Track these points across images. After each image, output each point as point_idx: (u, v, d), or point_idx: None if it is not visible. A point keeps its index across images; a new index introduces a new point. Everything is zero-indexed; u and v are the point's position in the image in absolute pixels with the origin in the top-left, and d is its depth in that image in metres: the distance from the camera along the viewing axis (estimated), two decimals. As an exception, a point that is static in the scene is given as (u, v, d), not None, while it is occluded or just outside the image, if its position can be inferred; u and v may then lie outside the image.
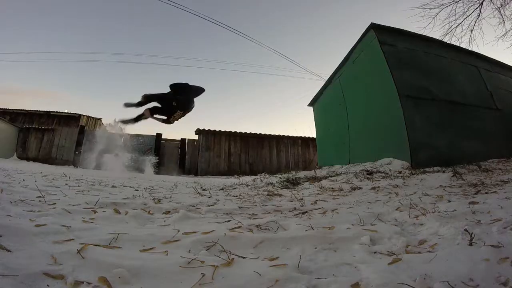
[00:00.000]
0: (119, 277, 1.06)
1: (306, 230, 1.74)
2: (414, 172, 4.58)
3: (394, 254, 1.35)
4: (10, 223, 1.54)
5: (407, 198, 2.66)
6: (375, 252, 1.40)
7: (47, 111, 20.13)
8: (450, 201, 2.34)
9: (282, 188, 4.60)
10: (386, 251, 1.40)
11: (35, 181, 4.19)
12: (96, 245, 1.36)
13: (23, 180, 4.17)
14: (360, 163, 6.93)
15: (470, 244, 1.30)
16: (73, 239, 1.46)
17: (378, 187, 3.55)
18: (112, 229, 1.70)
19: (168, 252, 1.39)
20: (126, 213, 2.24)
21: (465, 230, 1.43)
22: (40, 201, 2.42)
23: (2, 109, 19.64)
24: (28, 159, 17.42)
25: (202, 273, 1.12)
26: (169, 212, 2.46)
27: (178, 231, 1.73)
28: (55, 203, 2.42)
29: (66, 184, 4.11)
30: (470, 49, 8.40)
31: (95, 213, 2.19)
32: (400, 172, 4.78)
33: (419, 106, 6.13)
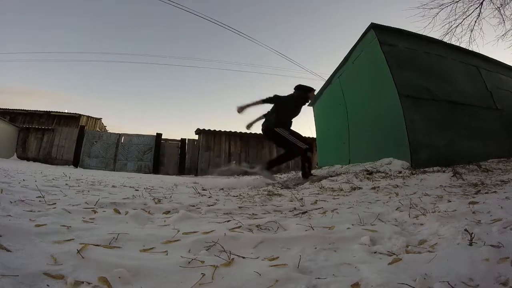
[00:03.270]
0: (119, 277, 1.06)
1: (306, 230, 1.74)
2: (414, 172, 4.57)
3: (394, 254, 1.35)
4: (10, 223, 1.55)
5: (407, 198, 2.66)
6: (375, 252, 1.40)
7: (47, 111, 20.24)
8: (450, 201, 2.33)
9: (282, 188, 4.60)
10: (386, 251, 1.40)
11: (35, 181, 4.19)
12: (96, 245, 1.36)
13: (23, 180, 4.17)
14: (360, 163, 6.93)
15: (470, 244, 1.29)
16: (73, 239, 1.46)
17: (378, 187, 3.55)
18: (112, 229, 1.70)
19: (168, 252, 1.40)
20: (126, 213, 2.24)
21: (465, 230, 1.43)
22: (40, 201, 2.42)
23: (2, 109, 19.78)
24: (28, 159, 17.48)
25: (202, 273, 1.12)
26: (169, 212, 2.46)
27: (178, 231, 1.74)
28: (55, 203, 2.42)
29: (66, 184, 4.11)
30: (470, 49, 8.42)
31: (95, 213, 2.19)
32: (400, 172, 4.78)
33: (419, 106, 6.13)
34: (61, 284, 1.00)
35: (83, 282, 1.02)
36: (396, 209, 2.25)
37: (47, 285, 0.99)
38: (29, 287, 0.97)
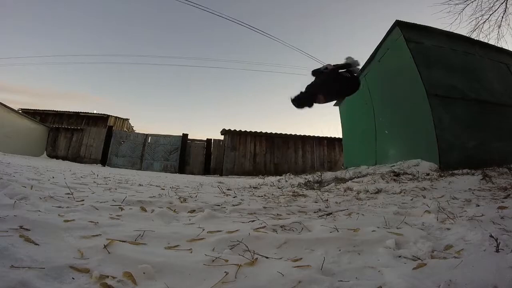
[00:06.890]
0: (144, 273, 1.08)
1: (330, 232, 1.72)
2: (442, 174, 4.46)
3: (419, 258, 1.32)
4: (39, 218, 1.60)
5: (435, 201, 2.59)
6: (399, 256, 1.37)
7: (76, 111, 20.79)
8: (478, 205, 2.26)
9: (307, 189, 4.58)
10: (411, 255, 1.37)
11: (64, 178, 4.32)
12: (122, 241, 1.39)
13: (53, 177, 4.31)
14: (386, 164, 6.81)
15: (497, 251, 1.26)
16: (100, 235, 1.51)
17: (405, 189, 3.48)
18: (138, 226, 1.74)
19: (193, 250, 1.42)
20: (152, 211, 2.28)
21: (491, 236, 1.39)
22: (68, 197, 2.50)
23: (32, 110, 20.42)
24: (57, 158, 18.07)
25: (225, 272, 1.13)
26: (194, 211, 2.49)
27: (203, 229, 1.76)
28: (83, 200, 2.49)
29: (94, 182, 4.22)
30: (498, 45, 8.13)
31: (122, 210, 2.25)
32: (428, 174, 4.67)
33: (448, 106, 5.95)
34: (86, 278, 1.04)
35: (108, 276, 1.04)
36: (423, 213, 2.20)
37: (72, 278, 1.03)
38: (55, 279, 1.01)
